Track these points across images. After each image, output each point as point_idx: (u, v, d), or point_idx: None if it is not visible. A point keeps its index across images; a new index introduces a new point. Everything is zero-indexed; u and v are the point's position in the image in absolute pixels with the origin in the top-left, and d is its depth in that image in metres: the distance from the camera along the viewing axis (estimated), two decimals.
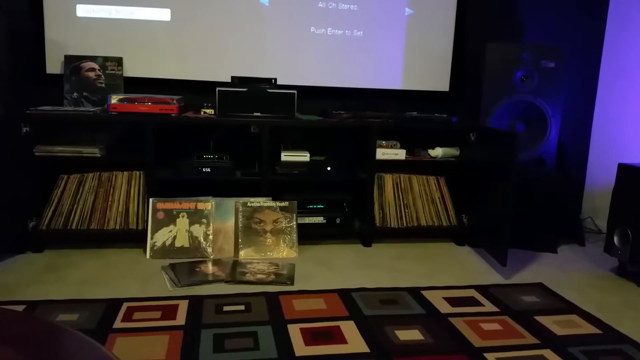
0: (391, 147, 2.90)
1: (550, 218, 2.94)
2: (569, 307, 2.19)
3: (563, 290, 2.37)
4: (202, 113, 2.78)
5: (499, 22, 3.27)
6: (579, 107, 3.46)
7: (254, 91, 2.74)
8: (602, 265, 2.75)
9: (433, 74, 3.22)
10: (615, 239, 2.58)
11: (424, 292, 2.27)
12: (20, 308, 1.97)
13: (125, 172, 2.70)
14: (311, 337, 1.82)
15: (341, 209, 2.87)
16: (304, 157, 2.85)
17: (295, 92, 2.77)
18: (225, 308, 2.03)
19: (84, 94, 2.82)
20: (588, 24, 3.39)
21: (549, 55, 2.91)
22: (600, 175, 3.44)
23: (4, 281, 2.23)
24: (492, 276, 2.52)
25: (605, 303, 2.26)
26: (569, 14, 3.34)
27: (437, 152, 2.94)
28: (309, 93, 3.02)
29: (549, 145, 2.98)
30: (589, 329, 1.99)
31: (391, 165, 2.94)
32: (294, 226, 2.73)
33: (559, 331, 1.95)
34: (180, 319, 1.92)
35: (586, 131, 3.51)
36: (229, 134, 3.00)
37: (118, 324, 1.87)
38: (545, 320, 2.04)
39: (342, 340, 1.81)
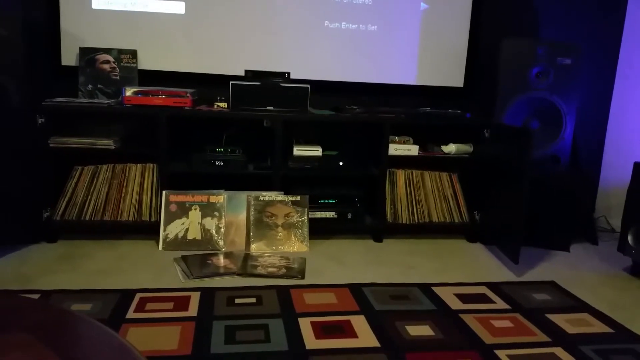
0: (404, 143, 2.89)
1: (564, 216, 2.92)
2: (581, 306, 2.17)
3: (575, 289, 2.35)
4: (215, 106, 2.79)
5: (514, 18, 3.24)
6: (594, 104, 3.43)
7: (267, 85, 2.74)
8: (615, 264, 2.73)
9: (447, 69, 3.20)
10: (630, 238, 2.55)
11: (434, 288, 2.27)
12: (34, 297, 1.99)
13: (138, 165, 2.72)
14: (322, 331, 1.82)
15: (353, 204, 2.87)
16: (317, 151, 2.85)
17: (309, 86, 2.77)
18: (237, 300, 2.04)
19: (99, 86, 2.84)
20: (606, 20, 3.34)
21: (565, 51, 2.88)
22: (615, 173, 3.41)
23: (19, 271, 2.26)
24: (503, 273, 2.51)
25: (618, 302, 2.24)
26: (586, 9, 3.30)
27: (450, 148, 2.93)
28: (322, 88, 3.02)
29: (563, 143, 2.95)
30: (601, 327, 1.98)
31: (403, 161, 2.93)
32: (306, 220, 2.73)
33: (570, 329, 1.94)
34: (192, 310, 1.94)
35: (601, 129, 3.47)
36: (241, 127, 3.01)
37: (131, 314, 1.89)
38: (557, 319, 2.03)
39: (353, 334, 1.82)
